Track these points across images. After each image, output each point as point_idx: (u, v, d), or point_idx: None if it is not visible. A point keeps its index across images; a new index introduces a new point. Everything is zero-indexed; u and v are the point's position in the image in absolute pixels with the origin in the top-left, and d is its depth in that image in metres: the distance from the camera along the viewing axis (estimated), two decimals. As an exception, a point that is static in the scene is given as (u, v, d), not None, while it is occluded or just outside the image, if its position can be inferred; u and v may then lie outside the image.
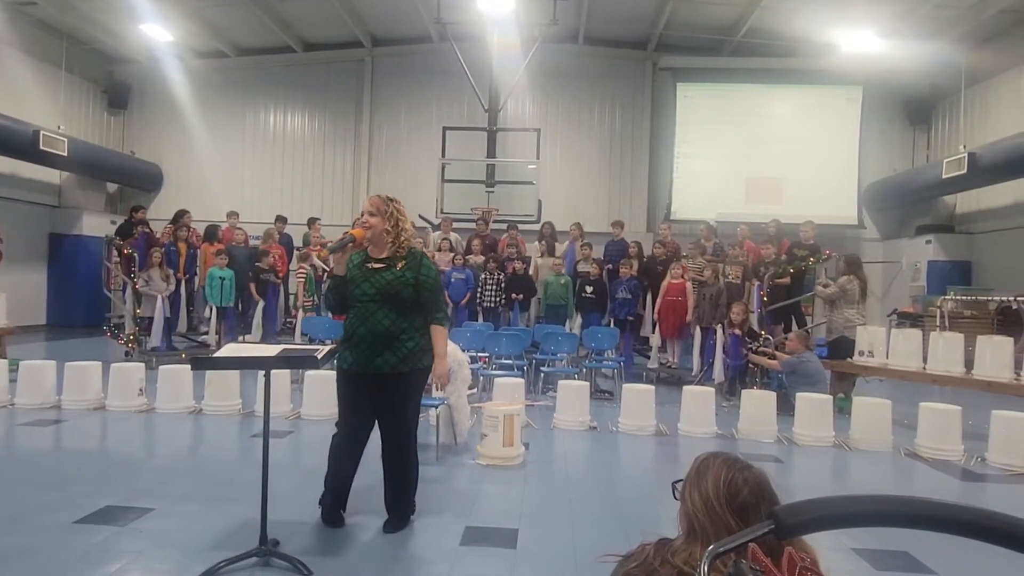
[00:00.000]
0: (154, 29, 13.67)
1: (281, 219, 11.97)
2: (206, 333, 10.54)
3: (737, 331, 8.48)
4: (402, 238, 3.81)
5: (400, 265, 3.78)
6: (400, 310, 3.76)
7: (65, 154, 13.25)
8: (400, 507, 3.96)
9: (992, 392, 7.03)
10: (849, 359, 8.16)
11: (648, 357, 10.12)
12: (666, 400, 7.30)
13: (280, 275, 10.76)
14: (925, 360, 7.50)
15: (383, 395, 3.81)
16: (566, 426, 6.67)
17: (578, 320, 10.03)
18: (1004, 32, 12.79)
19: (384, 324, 3.72)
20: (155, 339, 9.89)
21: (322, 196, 16.05)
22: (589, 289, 9.96)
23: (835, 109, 15.17)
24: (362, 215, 3.86)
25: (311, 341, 8.79)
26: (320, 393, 6.42)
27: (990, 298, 11.14)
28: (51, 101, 14.44)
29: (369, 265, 3.80)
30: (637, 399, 6.68)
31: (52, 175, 14.63)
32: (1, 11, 12.98)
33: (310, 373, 6.67)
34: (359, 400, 3.85)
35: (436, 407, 5.69)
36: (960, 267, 13.62)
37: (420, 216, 12.87)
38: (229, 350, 3.84)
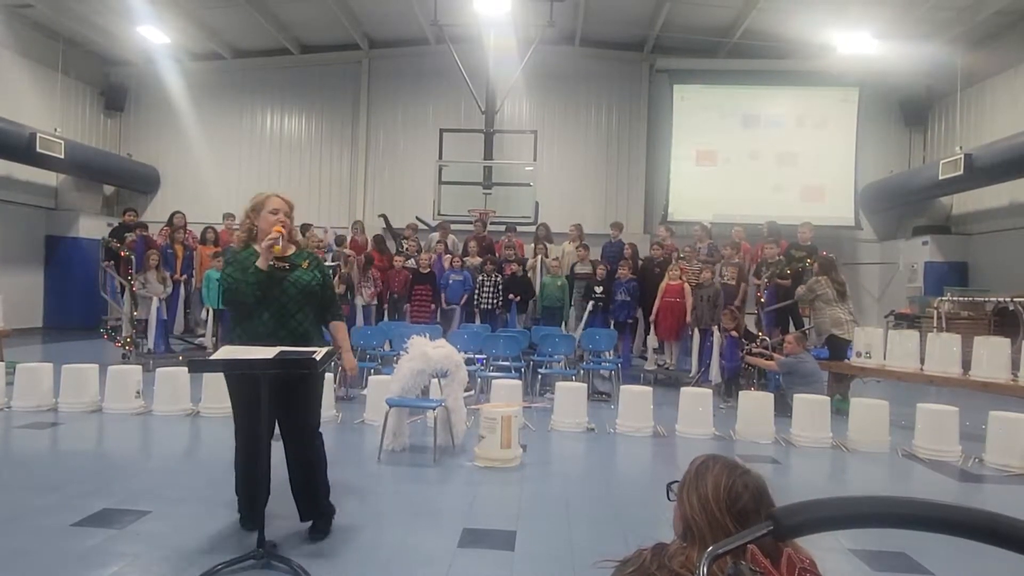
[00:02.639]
0: (150, 31, 13.65)
1: None
2: (203, 335, 10.53)
3: (733, 333, 8.49)
4: (303, 239, 4.00)
5: (306, 264, 3.80)
6: (314, 310, 3.82)
7: (62, 156, 13.22)
8: (321, 507, 3.85)
9: (989, 393, 7.03)
10: (847, 360, 8.16)
11: (645, 359, 10.13)
12: (664, 401, 7.30)
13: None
14: (922, 361, 7.51)
15: (291, 396, 3.68)
16: (564, 428, 6.66)
17: (582, 321, 10.02)
18: (1000, 34, 12.82)
19: (304, 326, 3.73)
20: (151, 341, 9.87)
21: (319, 198, 16.04)
22: (599, 290, 9.95)
23: (831, 110, 15.17)
24: (276, 212, 3.70)
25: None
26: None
27: (987, 299, 11.16)
28: (47, 103, 14.41)
29: (275, 264, 3.68)
30: (635, 400, 6.68)
31: (49, 177, 14.59)
32: (-3, 13, 12.98)
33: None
34: (259, 402, 3.59)
35: (433, 409, 5.69)
36: (957, 268, 13.64)
37: (417, 218, 12.88)
38: (226, 352, 3.83)
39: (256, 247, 3.69)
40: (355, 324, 9.60)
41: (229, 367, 3.67)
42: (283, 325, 3.68)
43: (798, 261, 9.30)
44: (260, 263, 3.62)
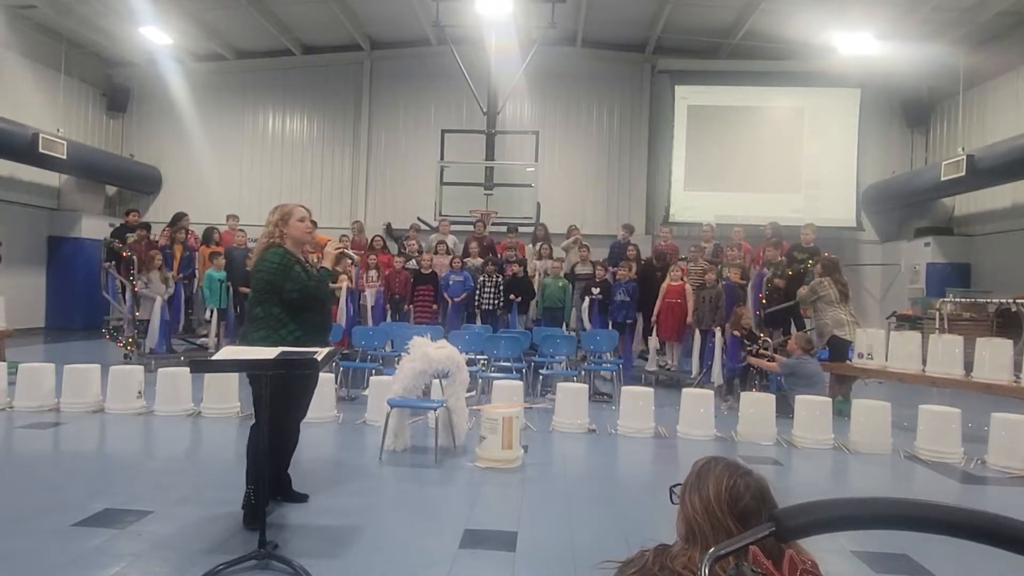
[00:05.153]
0: (153, 32, 13.66)
1: None
2: (205, 335, 10.52)
3: (736, 333, 8.47)
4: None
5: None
6: None
7: (64, 157, 13.25)
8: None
9: (991, 394, 7.02)
10: (848, 361, 8.15)
11: (647, 359, 10.11)
12: (665, 402, 7.29)
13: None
14: (924, 362, 7.49)
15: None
16: (565, 428, 6.66)
17: (581, 319, 10.00)
18: (1002, 34, 12.80)
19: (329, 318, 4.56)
20: (152, 341, 9.86)
21: (321, 199, 16.02)
22: (596, 291, 9.95)
23: (833, 111, 15.16)
24: (304, 220, 4.14)
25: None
26: (317, 395, 6.39)
27: (989, 300, 11.15)
28: (50, 104, 14.44)
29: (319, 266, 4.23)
30: (636, 401, 6.68)
31: (51, 178, 14.62)
32: (0, 14, 12.99)
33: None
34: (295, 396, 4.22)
35: (435, 409, 5.69)
36: (959, 269, 13.63)
37: (418, 218, 12.89)
38: (227, 352, 3.83)
39: (285, 248, 4.00)
40: (358, 323, 9.59)
41: (230, 367, 3.69)
42: (327, 317, 4.32)
43: (800, 262, 9.29)
44: (327, 264, 4.18)
